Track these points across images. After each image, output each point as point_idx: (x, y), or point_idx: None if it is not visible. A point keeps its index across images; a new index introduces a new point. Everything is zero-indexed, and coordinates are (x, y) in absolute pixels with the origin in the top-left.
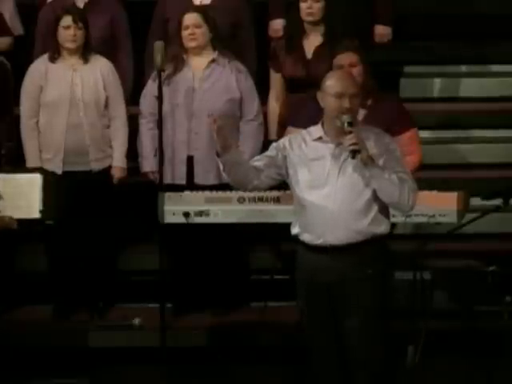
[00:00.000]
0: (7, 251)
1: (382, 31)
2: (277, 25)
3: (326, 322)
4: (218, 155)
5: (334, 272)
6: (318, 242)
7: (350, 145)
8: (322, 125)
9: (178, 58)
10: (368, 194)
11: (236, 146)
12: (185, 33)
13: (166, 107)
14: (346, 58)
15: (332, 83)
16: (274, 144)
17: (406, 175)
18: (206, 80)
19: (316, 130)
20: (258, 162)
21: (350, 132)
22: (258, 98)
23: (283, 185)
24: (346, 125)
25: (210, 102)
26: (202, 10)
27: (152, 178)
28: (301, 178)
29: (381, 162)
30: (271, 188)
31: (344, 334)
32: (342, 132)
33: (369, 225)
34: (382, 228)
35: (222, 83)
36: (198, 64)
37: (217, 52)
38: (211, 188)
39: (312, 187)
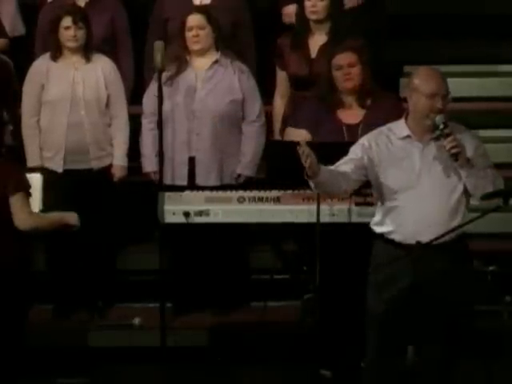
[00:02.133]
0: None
1: None
2: (289, 9)
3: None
4: (307, 177)
5: (426, 270)
6: (412, 241)
7: (452, 147)
8: (406, 122)
9: (181, 58)
10: (459, 191)
11: (319, 168)
12: (189, 34)
13: (167, 108)
14: (344, 58)
15: (424, 83)
16: (357, 145)
17: (493, 170)
18: (209, 81)
19: (401, 128)
20: (346, 166)
21: (449, 134)
22: (260, 99)
23: (283, 185)
24: (441, 126)
25: (211, 103)
26: (205, 10)
27: (153, 178)
28: (391, 178)
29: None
30: (271, 188)
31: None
32: (430, 131)
33: (460, 222)
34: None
35: (225, 84)
36: (201, 65)
37: (219, 53)
38: (212, 189)
39: (403, 187)
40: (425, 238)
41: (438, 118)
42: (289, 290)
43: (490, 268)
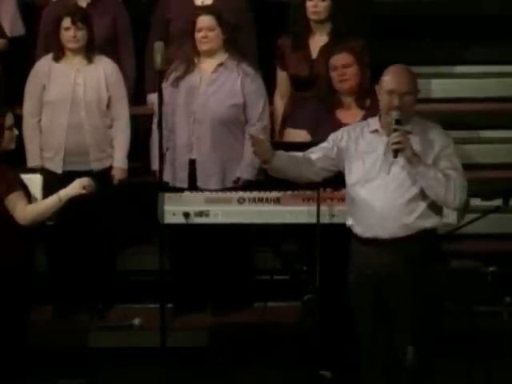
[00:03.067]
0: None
1: None
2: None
3: (374, 312)
4: (264, 163)
5: (381, 264)
6: (369, 234)
7: (393, 143)
8: (380, 117)
9: (189, 60)
10: (416, 188)
11: (273, 154)
12: (198, 35)
13: (170, 109)
14: (340, 59)
15: (386, 79)
16: (331, 135)
17: (455, 172)
18: (212, 84)
19: (374, 122)
20: (313, 154)
21: (395, 130)
22: (264, 102)
23: (283, 186)
24: (393, 122)
25: (212, 107)
26: (214, 12)
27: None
28: (354, 171)
29: (430, 158)
30: (271, 189)
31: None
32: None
33: (416, 219)
34: (430, 223)
35: (227, 88)
36: (207, 67)
37: (227, 54)
38: (212, 189)
39: (364, 180)
40: (379, 233)
41: (394, 114)
42: (289, 291)
43: (490, 269)
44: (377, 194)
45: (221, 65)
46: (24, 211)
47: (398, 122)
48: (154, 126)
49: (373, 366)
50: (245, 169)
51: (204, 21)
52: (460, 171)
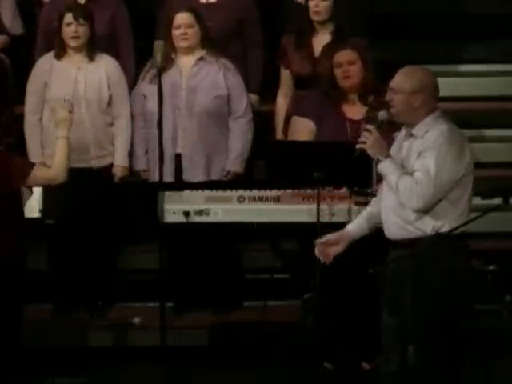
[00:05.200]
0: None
1: None
2: None
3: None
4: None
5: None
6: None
7: (359, 142)
8: None
9: (166, 56)
10: None
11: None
12: (176, 32)
13: (152, 105)
14: (344, 56)
15: None
16: None
17: (422, 174)
18: (193, 77)
19: None
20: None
21: (366, 129)
22: (247, 96)
23: (283, 184)
24: (378, 120)
25: (196, 100)
26: (193, 9)
27: (143, 177)
28: None
29: (400, 159)
30: (271, 187)
31: None
32: (406, 127)
33: (414, 221)
34: (430, 227)
35: (210, 80)
36: (186, 62)
37: (205, 50)
38: (211, 188)
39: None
40: (386, 233)
41: (380, 114)
42: (289, 290)
43: (490, 267)
44: (384, 196)
45: (201, 59)
46: (55, 170)
47: (380, 123)
48: (136, 126)
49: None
50: (233, 162)
51: (183, 18)
52: (429, 175)
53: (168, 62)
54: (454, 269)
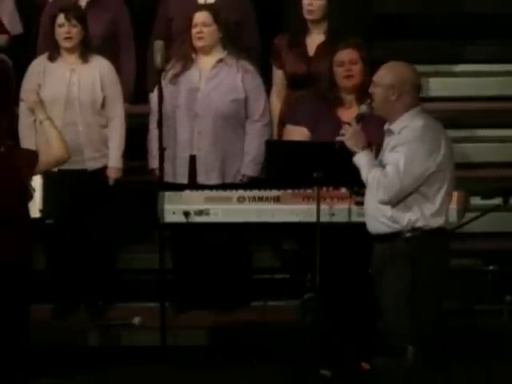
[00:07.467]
0: None
1: None
2: None
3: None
4: None
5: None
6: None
7: (340, 134)
8: None
9: (187, 56)
10: None
11: None
12: (193, 31)
13: (170, 106)
14: (346, 54)
15: None
16: None
17: (390, 167)
18: (212, 80)
19: None
20: None
21: (347, 123)
22: (265, 99)
23: (283, 184)
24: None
25: (213, 102)
26: (212, 8)
27: (157, 175)
28: None
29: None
30: (271, 187)
31: None
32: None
33: (391, 216)
34: (405, 221)
35: (228, 83)
36: (206, 63)
37: (226, 51)
38: (212, 188)
39: None
40: (369, 228)
41: (361, 108)
42: (289, 290)
43: (490, 267)
44: (367, 190)
45: (220, 61)
46: (57, 148)
47: (360, 116)
48: (152, 125)
49: None
50: (247, 165)
51: (200, 16)
52: (397, 169)
53: (188, 63)
54: (434, 265)
